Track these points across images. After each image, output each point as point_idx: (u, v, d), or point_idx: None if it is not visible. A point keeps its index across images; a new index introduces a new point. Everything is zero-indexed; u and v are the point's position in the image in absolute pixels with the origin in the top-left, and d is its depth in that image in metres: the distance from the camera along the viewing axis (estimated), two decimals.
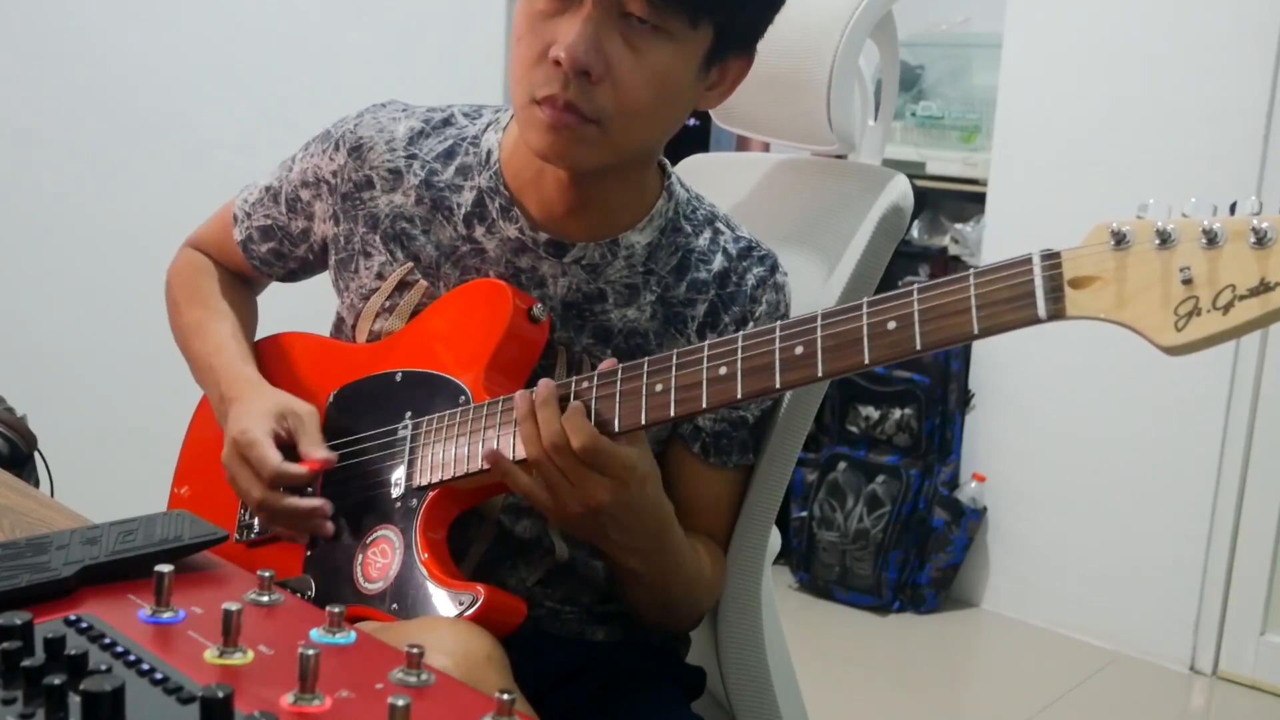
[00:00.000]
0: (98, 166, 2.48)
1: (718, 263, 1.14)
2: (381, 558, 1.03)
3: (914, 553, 3.06)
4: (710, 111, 1.40)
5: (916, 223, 3.39)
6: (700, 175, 1.47)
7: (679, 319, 1.12)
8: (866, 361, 0.83)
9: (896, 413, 3.08)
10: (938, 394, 3.06)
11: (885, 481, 3.07)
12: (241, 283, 1.34)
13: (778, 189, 1.38)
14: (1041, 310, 0.76)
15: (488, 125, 1.17)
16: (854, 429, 3.15)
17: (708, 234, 1.16)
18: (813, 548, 3.12)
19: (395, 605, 0.99)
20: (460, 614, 0.95)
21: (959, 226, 3.37)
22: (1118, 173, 2.80)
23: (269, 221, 1.26)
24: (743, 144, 3.06)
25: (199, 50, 2.59)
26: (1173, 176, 2.72)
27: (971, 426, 3.12)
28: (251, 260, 1.29)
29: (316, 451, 1.08)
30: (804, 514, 3.14)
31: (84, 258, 2.48)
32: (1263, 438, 2.72)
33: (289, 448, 1.09)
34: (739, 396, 0.89)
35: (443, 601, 0.97)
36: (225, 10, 2.62)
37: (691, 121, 4.12)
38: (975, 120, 3.34)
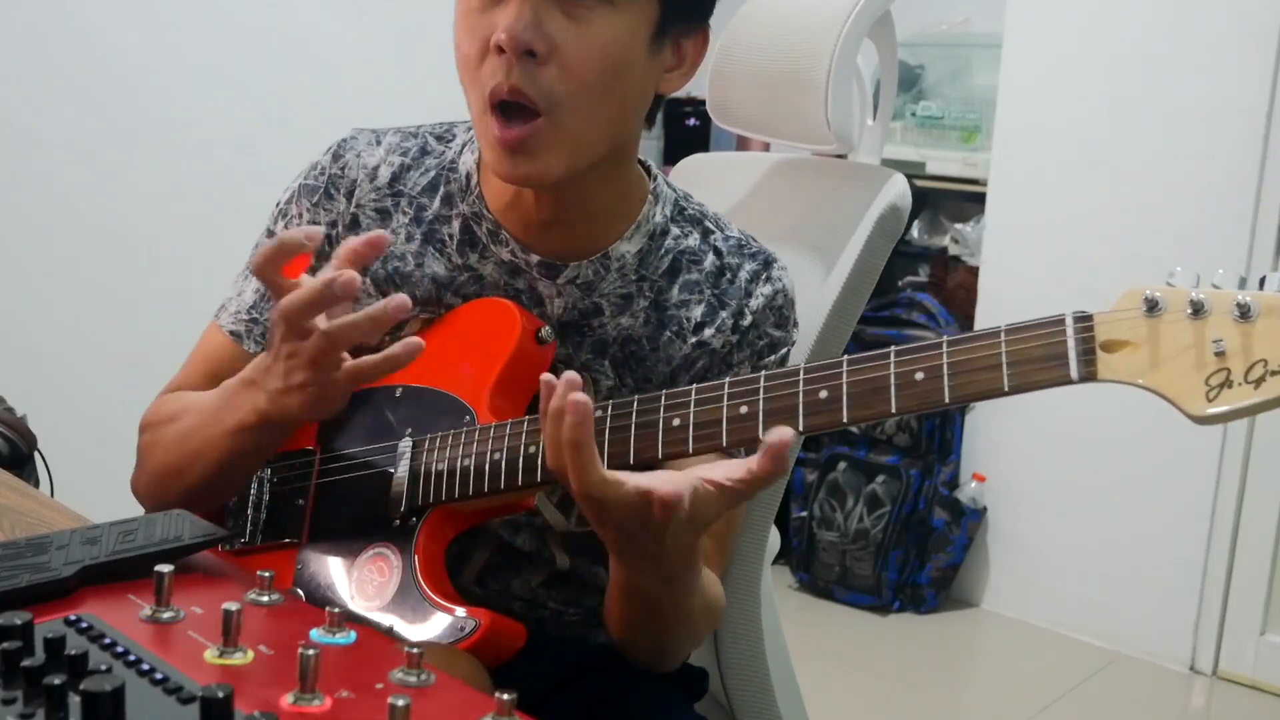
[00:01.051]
0: (98, 166, 2.49)
1: (709, 261, 1.13)
2: (379, 576, 1.02)
3: (914, 553, 3.06)
4: (710, 111, 1.41)
5: (916, 223, 3.40)
6: (700, 175, 1.47)
7: (673, 321, 1.11)
8: (894, 410, 0.83)
9: None
10: None
11: (885, 481, 3.07)
12: None
13: (776, 189, 1.38)
14: (1074, 372, 0.77)
15: (464, 146, 1.14)
16: (854, 429, 3.15)
17: (697, 234, 1.14)
18: (813, 548, 3.12)
19: (392, 626, 0.98)
20: (460, 639, 0.94)
21: (959, 226, 3.36)
22: (1118, 173, 2.80)
23: None
24: (743, 144, 3.07)
25: (199, 50, 2.59)
26: (1173, 176, 2.72)
27: (971, 426, 3.12)
28: None
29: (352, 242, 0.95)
30: (804, 514, 3.14)
31: (84, 258, 2.48)
32: (1263, 438, 2.72)
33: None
34: (760, 435, 0.86)
35: (443, 625, 0.96)
36: (225, 10, 2.62)
37: (691, 121, 4.11)
38: (975, 120, 3.34)
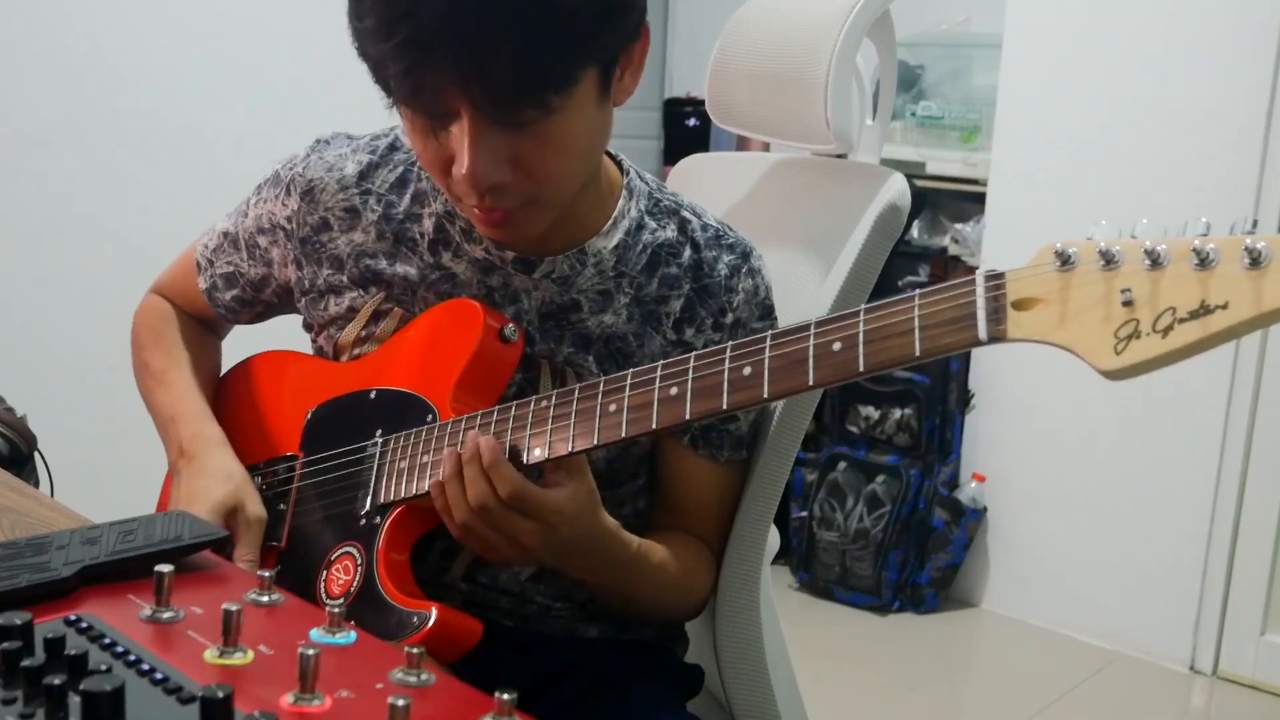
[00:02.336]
0: (98, 166, 2.49)
1: (687, 255, 1.13)
2: (344, 575, 1.03)
3: (914, 553, 3.06)
4: (709, 112, 1.41)
5: (917, 223, 3.40)
6: (700, 175, 1.47)
7: (654, 316, 1.11)
8: (811, 383, 0.83)
9: (896, 412, 3.08)
10: (938, 394, 3.06)
11: (885, 481, 3.07)
12: (206, 329, 1.34)
13: (776, 188, 1.38)
14: (982, 332, 0.75)
15: None
16: (854, 429, 3.15)
17: (674, 225, 1.14)
18: (813, 548, 3.12)
19: (354, 622, 0.99)
20: (412, 633, 0.95)
21: (959, 226, 3.37)
22: (1118, 173, 2.80)
23: (231, 269, 1.25)
24: (743, 144, 3.07)
25: (199, 50, 2.59)
26: (1173, 176, 2.72)
27: (971, 426, 3.12)
28: (218, 309, 1.28)
29: (243, 567, 1.06)
30: (804, 514, 3.14)
31: (84, 258, 2.48)
32: (1263, 438, 2.72)
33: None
34: (687, 417, 0.89)
35: (396, 619, 0.97)
36: (225, 10, 2.63)
37: (691, 121, 4.11)
38: (975, 120, 3.34)
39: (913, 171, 3.20)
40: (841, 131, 1.26)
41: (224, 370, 1.34)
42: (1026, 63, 2.94)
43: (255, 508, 1.10)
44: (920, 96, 3.44)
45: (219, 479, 1.12)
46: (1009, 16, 2.95)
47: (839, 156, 1.35)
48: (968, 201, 3.33)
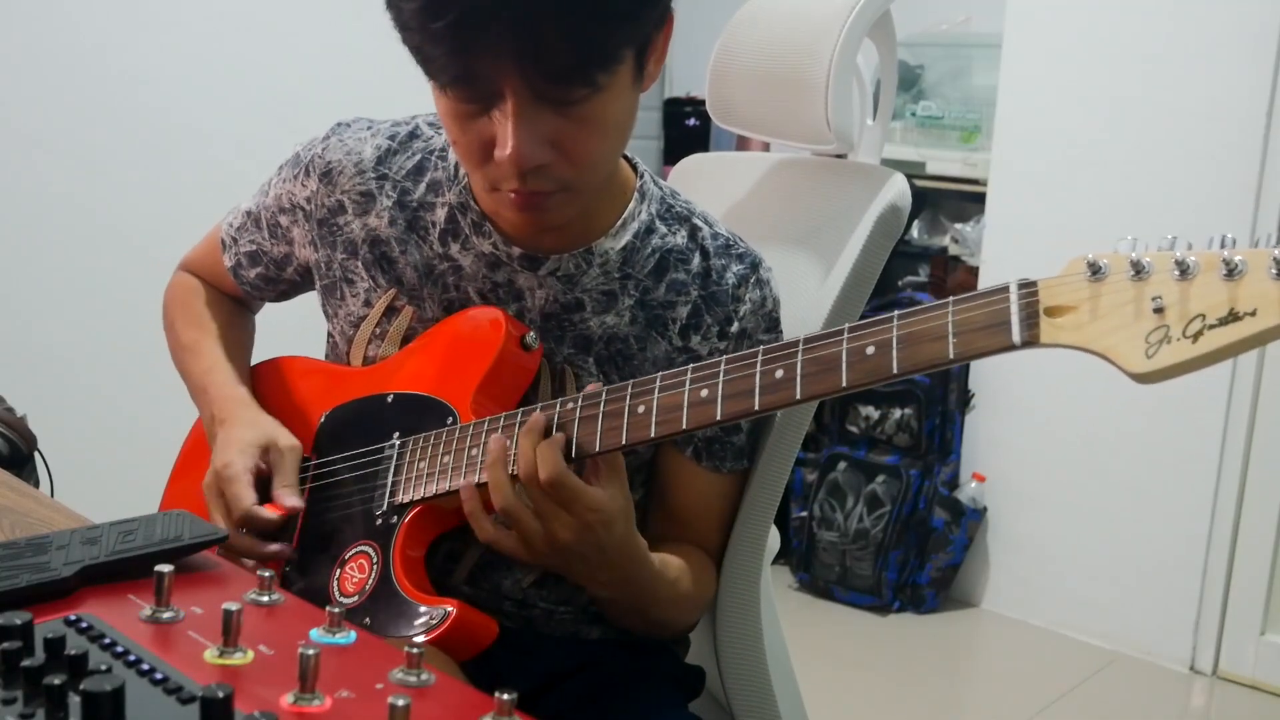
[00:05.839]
0: (98, 166, 2.49)
1: (696, 261, 1.13)
2: (359, 573, 1.03)
3: (914, 553, 3.06)
4: (710, 111, 1.41)
5: (916, 223, 3.40)
6: (700, 175, 1.47)
7: (660, 321, 1.11)
8: (844, 385, 0.85)
9: (896, 412, 3.08)
10: (938, 394, 3.06)
11: (885, 481, 3.07)
12: (236, 303, 1.34)
13: (776, 188, 1.38)
14: (1015, 337, 0.77)
15: None
16: (854, 429, 3.15)
17: (684, 231, 1.14)
18: (813, 548, 3.12)
19: (368, 620, 0.99)
20: (429, 629, 0.96)
21: (959, 226, 3.37)
22: (1118, 173, 2.80)
23: (254, 247, 1.26)
24: (743, 144, 3.07)
25: (199, 50, 2.59)
26: (1173, 176, 2.72)
27: (971, 426, 3.12)
28: (243, 286, 1.29)
29: (287, 497, 1.08)
30: (804, 514, 3.14)
31: (84, 258, 2.48)
32: (1263, 438, 2.72)
33: (268, 481, 1.10)
34: (719, 418, 0.91)
35: (414, 616, 0.97)
36: (225, 10, 2.63)
37: (691, 121, 4.08)
38: (975, 120, 3.34)
39: (913, 171, 3.20)
40: (842, 131, 1.26)
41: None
42: (1026, 63, 2.94)
43: (287, 439, 1.13)
44: (920, 96, 3.44)
45: (248, 425, 1.14)
46: (1009, 16, 2.95)
47: (839, 156, 1.35)
48: (968, 201, 3.32)
